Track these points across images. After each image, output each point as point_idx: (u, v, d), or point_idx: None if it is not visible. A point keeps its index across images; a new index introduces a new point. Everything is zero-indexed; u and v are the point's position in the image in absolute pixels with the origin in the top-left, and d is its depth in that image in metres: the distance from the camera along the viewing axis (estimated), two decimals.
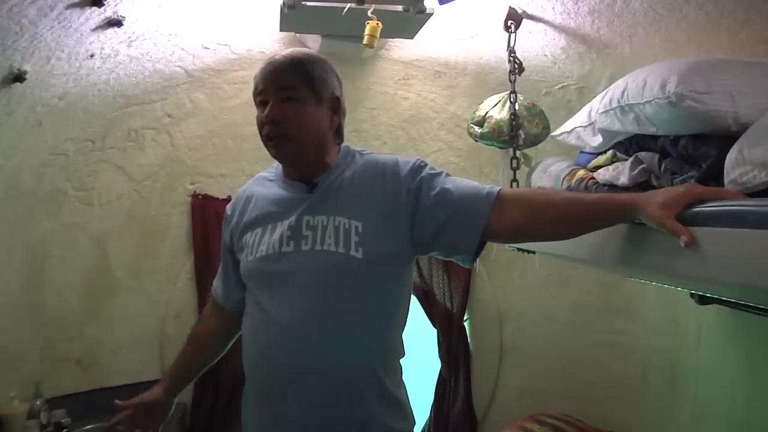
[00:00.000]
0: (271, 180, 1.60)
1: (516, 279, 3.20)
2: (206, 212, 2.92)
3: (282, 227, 1.48)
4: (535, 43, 2.32)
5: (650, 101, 1.48)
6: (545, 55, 2.39)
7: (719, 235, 1.08)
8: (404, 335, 1.56)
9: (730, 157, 1.23)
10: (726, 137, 1.30)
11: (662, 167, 1.56)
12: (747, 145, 1.20)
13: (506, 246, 2.45)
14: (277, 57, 1.50)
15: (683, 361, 2.72)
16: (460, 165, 3.06)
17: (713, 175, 1.30)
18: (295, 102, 1.45)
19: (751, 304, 1.96)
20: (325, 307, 1.43)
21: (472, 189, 1.43)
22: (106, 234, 2.90)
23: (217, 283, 1.71)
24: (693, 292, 2.31)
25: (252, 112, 2.86)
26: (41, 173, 2.59)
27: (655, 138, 1.58)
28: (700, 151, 1.41)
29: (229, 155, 2.99)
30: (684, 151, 1.46)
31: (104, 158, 2.80)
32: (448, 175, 1.49)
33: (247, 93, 2.86)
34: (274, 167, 1.61)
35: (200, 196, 2.95)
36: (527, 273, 3.16)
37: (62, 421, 2.61)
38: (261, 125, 1.48)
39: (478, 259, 2.89)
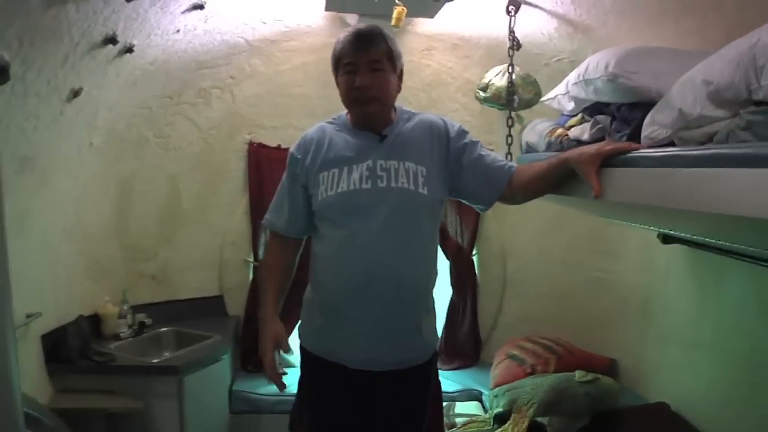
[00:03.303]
0: (338, 129, 1.89)
1: (518, 222, 3.63)
2: (260, 158, 3.40)
3: (360, 169, 1.78)
4: (534, 23, 2.76)
5: (599, 77, 1.95)
6: (542, 33, 2.84)
7: (623, 172, 1.61)
8: None
9: (646, 120, 1.71)
10: (651, 105, 1.78)
11: (612, 127, 2.05)
12: (656, 111, 1.68)
13: None
14: (362, 32, 1.79)
15: (655, 295, 3.11)
16: (473, 123, 3.44)
17: (638, 133, 1.79)
18: (381, 72, 1.77)
19: (701, 240, 2.44)
20: (399, 230, 1.77)
21: (499, 162, 1.91)
22: (178, 174, 3.42)
23: (276, 218, 1.93)
24: (658, 231, 2.79)
25: (298, 75, 3.39)
26: (131, 123, 3.13)
27: (607, 105, 2.02)
28: (632, 115, 1.87)
29: (280, 111, 3.42)
30: (623, 115, 1.92)
31: (179, 112, 3.31)
32: (482, 146, 1.94)
33: (297, 59, 3.41)
34: (335, 118, 1.93)
35: (255, 144, 3.43)
36: (528, 217, 3.57)
37: (145, 321, 3.21)
38: (350, 89, 1.78)
39: None
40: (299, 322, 1.99)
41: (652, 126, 1.67)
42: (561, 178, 1.80)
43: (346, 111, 1.92)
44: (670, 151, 1.50)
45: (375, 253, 1.76)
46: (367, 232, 1.76)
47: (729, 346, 2.54)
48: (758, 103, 1.29)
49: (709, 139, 1.45)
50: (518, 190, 1.87)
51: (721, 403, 2.56)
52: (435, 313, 1.96)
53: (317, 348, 1.89)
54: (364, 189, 1.77)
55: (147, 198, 3.38)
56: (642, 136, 1.71)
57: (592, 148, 1.69)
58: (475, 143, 1.92)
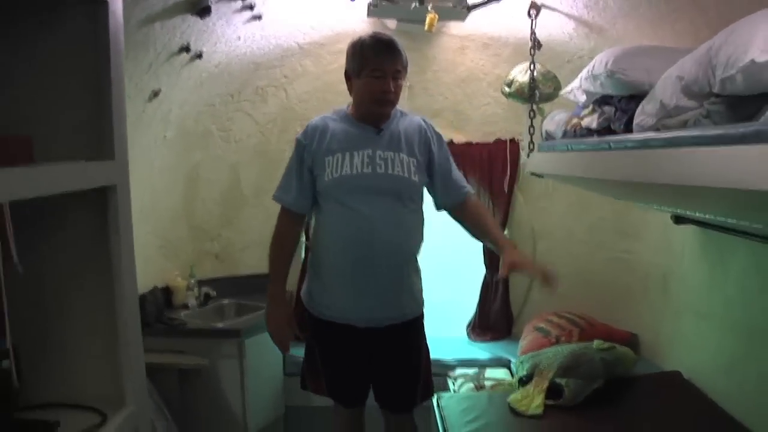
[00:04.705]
0: (339, 121, 2.19)
1: (547, 205, 3.85)
2: None
3: (360, 156, 2.09)
4: (556, 24, 3.03)
5: (601, 73, 2.24)
6: (563, 33, 3.10)
7: (617, 154, 1.92)
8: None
9: (638, 110, 1.98)
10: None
11: (615, 116, 2.32)
12: (645, 102, 1.95)
13: (530, 174, 3.16)
14: (388, 42, 2.09)
15: (672, 273, 3.31)
16: (502, 115, 3.73)
17: (631, 121, 2.08)
18: (399, 80, 2.10)
19: (707, 220, 2.68)
20: (395, 210, 2.13)
21: (461, 183, 2.32)
22: (238, 163, 3.77)
23: (284, 195, 2.22)
24: (671, 212, 3.01)
25: (341, 74, 3.70)
26: (198, 118, 3.51)
27: (611, 97, 2.31)
28: (629, 107, 2.14)
29: (328, 106, 3.52)
30: (622, 106, 2.21)
31: (239, 108, 3.66)
32: (452, 159, 2.33)
33: (343, 60, 3.67)
34: (336, 111, 2.24)
35: None
36: (556, 201, 3.81)
37: (209, 293, 3.61)
38: (375, 91, 2.07)
39: (517, 189, 3.64)
40: (304, 290, 2.33)
41: (642, 115, 1.94)
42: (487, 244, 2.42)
43: (347, 105, 2.24)
44: (642, 136, 1.81)
45: (378, 228, 2.09)
46: (371, 210, 2.08)
47: (734, 318, 2.73)
48: (717, 96, 1.57)
49: (684, 126, 1.73)
50: (463, 215, 2.31)
51: (725, 370, 2.76)
52: (421, 275, 2.32)
53: (327, 313, 2.22)
54: (365, 173, 2.10)
55: (211, 185, 3.75)
56: (633, 124, 2.00)
57: (508, 255, 2.17)
58: (448, 156, 2.31)
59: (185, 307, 3.49)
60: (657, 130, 1.85)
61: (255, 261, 3.85)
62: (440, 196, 2.31)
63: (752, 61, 1.26)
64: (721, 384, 2.78)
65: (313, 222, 2.38)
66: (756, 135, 1.19)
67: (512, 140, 3.75)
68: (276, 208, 3.80)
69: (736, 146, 1.25)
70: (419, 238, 2.27)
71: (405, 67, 2.14)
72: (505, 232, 3.87)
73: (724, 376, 2.79)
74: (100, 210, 1.18)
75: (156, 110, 2.87)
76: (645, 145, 1.78)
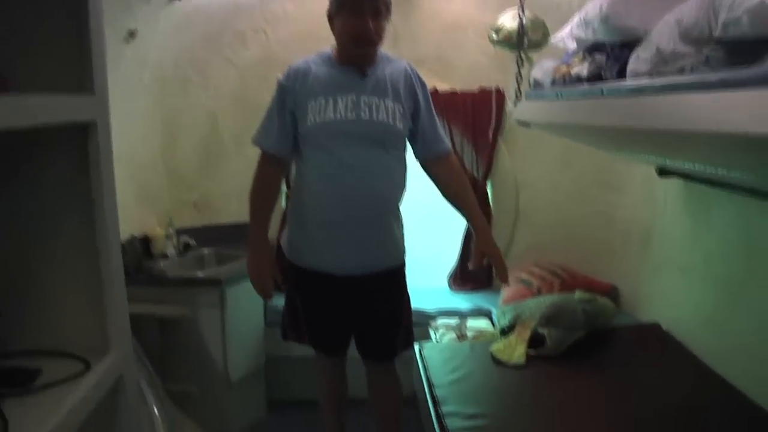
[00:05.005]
0: (321, 64, 2.16)
1: (531, 156, 3.82)
2: None
3: (345, 100, 2.06)
4: None
5: (595, 18, 2.20)
6: None
7: (610, 101, 1.88)
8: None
9: (632, 56, 1.95)
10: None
11: (607, 64, 2.29)
12: (640, 49, 1.91)
13: (517, 122, 3.11)
14: None
15: (654, 226, 3.34)
16: (488, 64, 3.64)
17: (624, 69, 2.04)
18: (380, 19, 2.05)
19: (691, 172, 2.67)
20: (379, 156, 2.13)
21: (440, 137, 2.30)
22: (217, 110, 3.69)
23: (264, 138, 2.20)
24: (658, 164, 3.00)
25: (326, 18, 3.63)
26: (175, 63, 3.42)
27: (604, 44, 2.29)
28: (621, 54, 2.11)
29: (309, 51, 3.52)
30: (615, 54, 2.17)
31: (218, 52, 3.57)
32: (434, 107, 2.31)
33: (325, 3, 3.61)
34: (319, 54, 2.21)
35: None
36: (540, 152, 3.78)
37: (189, 242, 3.56)
38: (352, 30, 2.03)
39: (501, 140, 3.61)
40: (284, 239, 2.31)
41: (636, 62, 1.91)
42: (458, 210, 2.40)
43: (330, 47, 2.20)
44: (636, 82, 1.77)
45: (360, 175, 2.08)
46: (353, 156, 2.07)
47: (714, 271, 2.76)
48: (717, 41, 1.53)
49: (680, 73, 1.69)
50: (439, 174, 2.31)
51: (705, 322, 2.81)
52: (403, 223, 2.32)
53: (308, 262, 2.22)
54: (349, 119, 2.07)
55: (189, 132, 3.67)
56: (627, 70, 1.96)
57: (482, 243, 2.37)
58: (431, 106, 2.27)
59: (164, 256, 3.43)
60: (651, 77, 1.82)
61: (234, 210, 3.79)
62: (418, 147, 2.28)
63: (761, 2, 1.21)
64: (700, 336, 2.84)
65: (293, 170, 2.34)
66: (763, 78, 1.16)
67: (497, 89, 3.69)
68: (256, 156, 3.79)
69: (738, 90, 1.22)
70: (402, 187, 2.25)
71: (387, 7, 2.08)
72: (488, 183, 3.85)
73: (703, 328, 2.84)
74: (81, 151, 1.12)
75: (133, 53, 2.76)
76: (640, 91, 1.75)
